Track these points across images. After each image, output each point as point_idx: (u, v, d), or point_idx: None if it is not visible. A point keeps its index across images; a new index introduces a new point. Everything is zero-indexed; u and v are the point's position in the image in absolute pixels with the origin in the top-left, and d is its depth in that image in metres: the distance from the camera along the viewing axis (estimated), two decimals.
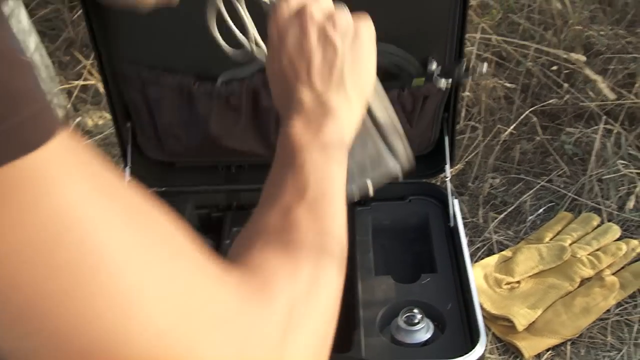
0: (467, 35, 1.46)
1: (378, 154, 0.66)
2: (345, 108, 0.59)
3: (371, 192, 0.67)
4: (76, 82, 1.55)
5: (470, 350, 0.89)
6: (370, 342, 0.91)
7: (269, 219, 0.52)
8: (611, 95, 1.32)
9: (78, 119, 1.50)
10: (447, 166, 1.14)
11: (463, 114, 1.43)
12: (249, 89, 1.02)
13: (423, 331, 0.91)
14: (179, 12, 0.87)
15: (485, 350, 0.97)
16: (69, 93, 1.56)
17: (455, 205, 1.11)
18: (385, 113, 0.67)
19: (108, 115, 1.42)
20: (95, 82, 1.53)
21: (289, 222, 0.51)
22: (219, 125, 1.05)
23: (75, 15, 1.71)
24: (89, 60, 1.55)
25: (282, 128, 0.58)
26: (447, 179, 1.14)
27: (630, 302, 1.10)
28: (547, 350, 1.04)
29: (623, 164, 1.28)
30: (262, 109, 1.04)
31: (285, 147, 0.56)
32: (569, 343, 1.05)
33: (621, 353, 1.03)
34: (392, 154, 0.66)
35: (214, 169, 1.14)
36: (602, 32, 1.48)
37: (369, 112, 0.65)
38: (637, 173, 1.27)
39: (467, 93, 1.45)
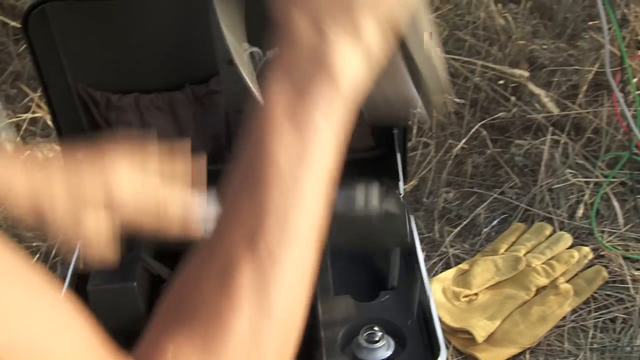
0: None
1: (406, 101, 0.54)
2: (352, 48, 0.44)
3: None
4: (24, 115, 1.53)
5: None
6: None
7: (202, 281, 0.40)
8: (554, 109, 1.35)
9: (28, 153, 1.48)
10: (401, 183, 1.16)
11: (415, 130, 1.45)
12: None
13: (384, 348, 0.91)
14: (119, 35, 0.87)
15: None
16: (18, 126, 1.54)
17: (410, 222, 1.13)
18: (423, 48, 0.50)
19: (58, 147, 1.41)
20: (43, 114, 1.51)
21: (225, 295, 0.39)
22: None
23: (21, 48, 1.69)
24: (37, 93, 1.53)
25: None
26: (401, 195, 1.15)
27: (584, 308, 1.12)
28: None
29: (571, 173, 1.31)
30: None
31: (250, 136, 0.43)
32: (527, 352, 1.07)
33: (578, 358, 1.05)
34: (425, 105, 0.54)
35: None
36: (544, 46, 1.52)
37: (402, 47, 0.49)
38: (585, 182, 1.30)
39: (418, 110, 1.47)
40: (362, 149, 1.17)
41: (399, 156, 1.15)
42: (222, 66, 0.98)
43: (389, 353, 0.93)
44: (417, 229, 1.21)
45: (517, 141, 1.42)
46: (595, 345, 1.08)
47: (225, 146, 1.11)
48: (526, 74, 1.39)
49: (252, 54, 1.02)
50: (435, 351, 0.92)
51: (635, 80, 1.32)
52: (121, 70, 1.03)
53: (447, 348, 1.06)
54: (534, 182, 1.34)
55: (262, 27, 1.04)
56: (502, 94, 1.48)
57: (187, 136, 1.09)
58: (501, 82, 1.47)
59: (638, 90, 1.31)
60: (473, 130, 1.41)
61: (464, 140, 1.39)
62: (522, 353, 1.07)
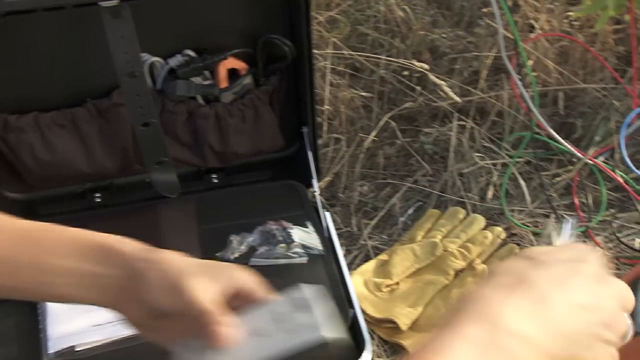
0: (320, 52, 1.50)
1: None
2: None
3: None
4: None
5: (358, 358, 0.91)
6: None
7: None
8: (456, 98, 1.39)
9: None
10: (314, 180, 1.17)
11: (325, 127, 1.46)
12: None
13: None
14: (9, 54, 0.84)
15: (372, 355, 0.99)
16: None
17: (327, 218, 1.14)
18: None
19: None
20: None
21: None
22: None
23: None
24: None
25: None
26: (316, 193, 1.16)
27: None
28: None
29: (479, 156, 1.35)
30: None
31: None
32: None
33: None
34: None
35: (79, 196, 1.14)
36: (444, 35, 1.56)
37: None
38: (492, 164, 1.34)
39: (326, 107, 1.48)
40: (273, 149, 1.17)
41: (310, 154, 1.16)
42: (123, 79, 0.97)
43: None
44: (335, 224, 1.22)
45: (426, 130, 1.45)
46: None
47: (135, 159, 1.09)
48: (426, 66, 1.42)
49: (152, 64, 1.01)
50: (361, 344, 0.94)
51: (530, 62, 1.37)
52: (16, 89, 1.00)
53: (373, 339, 1.07)
54: (445, 168, 1.37)
55: (160, 36, 1.03)
56: (408, 85, 1.50)
57: (93, 152, 1.07)
58: (406, 73, 1.50)
59: (534, 71, 1.36)
60: (382, 122, 1.43)
61: (374, 133, 1.41)
62: None
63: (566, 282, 0.50)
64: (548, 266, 0.50)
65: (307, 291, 0.62)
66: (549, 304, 0.48)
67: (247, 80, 1.09)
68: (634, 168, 1.27)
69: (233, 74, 1.08)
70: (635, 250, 1.21)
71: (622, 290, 0.52)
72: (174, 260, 0.61)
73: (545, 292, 0.48)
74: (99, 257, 0.62)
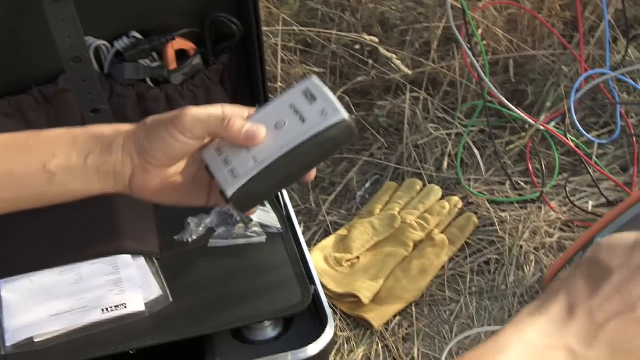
0: (270, 29, 1.49)
1: (242, 176, 0.68)
2: None
3: None
4: None
5: (321, 334, 0.91)
6: (223, 347, 0.91)
7: None
8: (407, 70, 1.39)
9: None
10: None
11: None
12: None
13: (272, 327, 0.92)
14: None
15: (335, 330, 0.99)
16: None
17: (284, 195, 1.13)
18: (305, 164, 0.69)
19: None
20: None
21: None
22: None
23: None
24: None
25: None
26: None
27: (460, 256, 1.17)
28: (395, 316, 1.09)
29: (433, 127, 1.36)
30: None
31: None
32: (413, 305, 1.10)
33: (459, 304, 1.10)
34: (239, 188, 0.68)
35: None
36: (393, 7, 1.55)
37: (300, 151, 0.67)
38: (447, 134, 1.34)
39: (279, 84, 1.47)
40: None
41: None
42: (68, 64, 0.95)
43: (277, 330, 0.93)
44: (293, 202, 1.22)
45: (380, 103, 1.45)
46: (473, 289, 1.13)
47: None
48: (376, 40, 1.42)
49: (98, 48, 0.99)
50: (323, 320, 0.93)
51: (479, 31, 1.38)
52: None
53: (335, 314, 1.08)
54: (400, 140, 1.37)
55: (105, 18, 1.01)
56: (360, 59, 1.50)
57: None
58: (357, 47, 1.49)
59: (483, 40, 1.37)
60: (336, 97, 1.42)
61: None
62: (408, 307, 1.10)
63: None
64: None
65: (312, 81, 0.69)
66: None
67: (197, 60, 1.07)
68: (584, 132, 1.29)
69: (182, 54, 1.06)
70: (589, 212, 1.23)
71: None
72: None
73: None
74: (98, 145, 0.68)
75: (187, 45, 1.06)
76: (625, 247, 0.52)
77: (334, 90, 1.46)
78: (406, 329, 1.08)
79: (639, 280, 0.50)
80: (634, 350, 0.49)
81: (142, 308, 0.91)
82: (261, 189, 0.69)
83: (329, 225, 1.23)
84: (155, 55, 1.06)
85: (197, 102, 1.09)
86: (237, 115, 0.69)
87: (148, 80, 1.06)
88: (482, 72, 1.28)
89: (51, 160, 0.68)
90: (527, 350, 0.48)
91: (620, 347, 0.49)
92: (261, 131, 0.68)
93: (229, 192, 0.68)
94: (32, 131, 0.70)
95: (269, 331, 0.92)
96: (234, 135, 0.67)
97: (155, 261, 1.00)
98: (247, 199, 0.69)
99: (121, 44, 1.02)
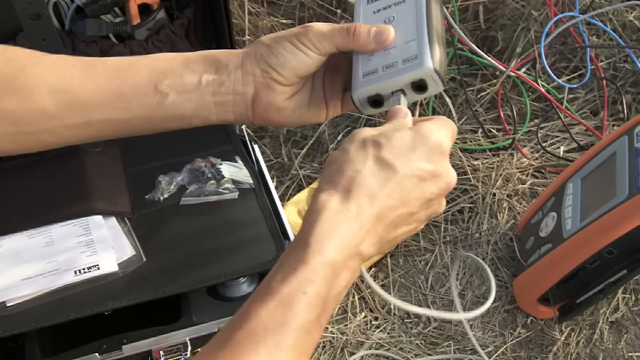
0: None
1: (418, 53, 0.64)
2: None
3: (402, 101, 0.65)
4: None
5: None
6: (199, 305, 0.91)
7: None
8: None
9: None
10: None
11: None
12: None
13: (247, 283, 0.92)
14: None
15: None
16: None
17: (256, 150, 1.12)
18: (439, 18, 0.68)
19: None
20: None
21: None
22: None
23: None
24: None
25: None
26: (243, 126, 1.14)
27: None
28: (370, 268, 1.09)
29: None
30: None
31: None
32: (388, 256, 1.11)
33: (434, 253, 1.10)
34: (432, 57, 0.64)
35: None
36: None
37: (428, 13, 0.66)
38: None
39: (247, 37, 1.45)
40: None
41: None
42: (26, 22, 0.91)
43: (254, 285, 0.93)
44: (265, 156, 1.21)
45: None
46: (448, 238, 1.13)
47: None
48: None
49: (57, 4, 0.96)
50: None
51: None
52: None
53: None
54: None
55: None
56: (328, 8, 1.48)
57: None
58: None
59: None
60: None
61: None
62: (383, 258, 1.11)
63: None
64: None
65: None
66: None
67: (161, 14, 1.04)
68: (554, 77, 1.29)
69: (145, 9, 1.03)
70: (560, 157, 1.24)
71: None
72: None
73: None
74: (212, 65, 0.66)
75: None
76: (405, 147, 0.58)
77: None
78: (382, 280, 1.08)
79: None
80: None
81: (115, 268, 0.90)
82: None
83: (302, 179, 1.22)
84: (117, 10, 1.03)
85: None
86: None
87: (111, 36, 1.03)
88: (451, 20, 1.27)
89: (162, 79, 0.66)
90: (331, 270, 0.54)
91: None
92: (389, 28, 0.66)
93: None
94: (137, 56, 0.68)
95: (245, 287, 0.92)
96: (364, 42, 0.65)
97: (127, 221, 0.99)
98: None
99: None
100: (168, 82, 0.66)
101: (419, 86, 0.64)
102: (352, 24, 0.66)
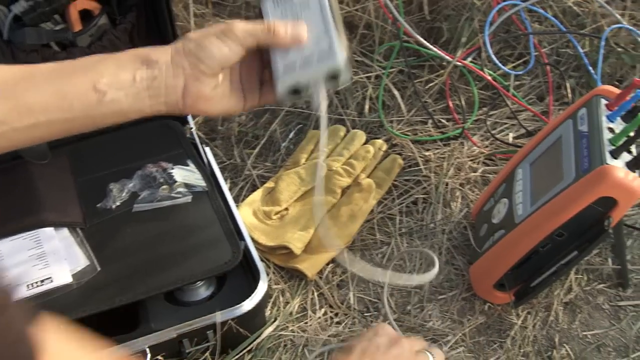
0: None
1: (329, 47, 0.74)
2: None
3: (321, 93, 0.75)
4: None
5: (254, 290, 0.91)
6: (157, 312, 0.91)
7: None
8: None
9: None
10: (189, 117, 1.14)
11: None
12: None
13: (205, 287, 0.91)
14: None
15: (269, 284, 0.99)
16: None
17: (207, 153, 1.12)
18: (336, 6, 0.77)
19: None
20: None
21: None
22: None
23: None
24: None
25: None
26: (192, 129, 1.14)
27: (388, 198, 1.18)
28: (328, 264, 1.09)
29: (353, 71, 1.35)
30: None
31: None
32: (345, 251, 1.11)
33: (391, 246, 1.11)
34: (342, 50, 0.74)
35: None
36: None
37: (330, 6, 0.76)
38: (366, 77, 1.34)
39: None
40: None
41: None
42: None
43: (211, 289, 0.93)
44: (217, 158, 1.21)
45: None
46: (403, 230, 1.14)
47: None
48: None
49: None
50: (256, 276, 0.93)
51: None
52: None
53: (269, 267, 1.08)
54: None
55: None
56: None
57: None
58: None
59: None
60: None
61: None
62: (341, 254, 1.11)
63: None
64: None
65: None
66: None
67: (103, 20, 1.03)
68: (500, 64, 1.30)
69: (86, 15, 1.02)
70: (510, 144, 1.25)
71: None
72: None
73: None
74: (143, 62, 0.73)
75: (91, 4, 1.01)
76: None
77: None
78: (340, 275, 1.09)
79: None
80: None
81: (69, 280, 0.89)
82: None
83: (256, 179, 1.22)
84: (57, 17, 1.01)
85: None
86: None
87: (53, 44, 1.02)
88: (396, 12, 1.28)
89: (100, 79, 0.71)
90: None
91: None
92: (303, 26, 0.75)
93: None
94: (72, 60, 0.74)
95: (202, 291, 0.91)
96: (282, 39, 0.74)
97: (79, 231, 0.97)
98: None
99: (19, 7, 0.97)
100: (105, 81, 0.71)
101: (333, 76, 0.74)
102: (271, 21, 0.75)
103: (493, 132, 1.28)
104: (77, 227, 0.97)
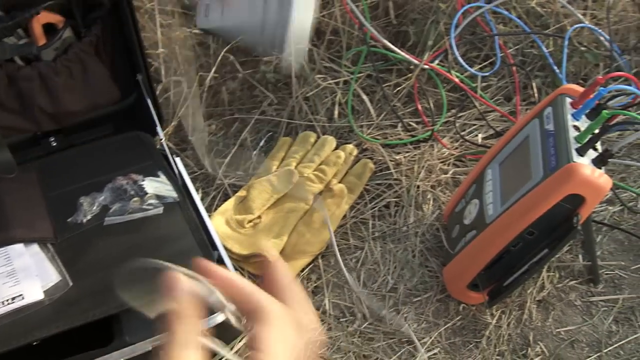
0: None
1: None
2: None
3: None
4: None
5: None
6: (132, 325, 0.90)
7: None
8: None
9: None
10: (159, 128, 1.13)
11: (163, 71, 1.41)
12: None
13: None
14: None
15: None
16: None
17: (178, 163, 1.11)
18: None
19: None
20: None
21: None
22: None
23: None
24: None
25: None
26: (162, 140, 1.13)
27: (360, 202, 1.19)
28: (302, 270, 1.09)
29: (321, 77, 1.35)
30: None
31: None
32: (319, 257, 1.11)
33: (364, 250, 1.12)
34: None
35: None
36: None
37: None
38: (335, 83, 1.34)
39: (161, 50, 1.43)
40: (110, 102, 1.12)
41: (149, 101, 1.12)
42: None
43: None
44: (188, 168, 1.20)
45: (265, 58, 1.43)
46: (376, 234, 1.14)
47: None
48: None
49: None
50: None
51: None
52: None
53: (243, 276, 1.07)
54: (289, 94, 1.36)
55: None
56: None
57: None
58: None
59: None
60: (220, 57, 1.39)
61: (213, 70, 1.38)
62: (315, 260, 1.11)
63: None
64: None
65: None
66: None
67: (67, 33, 1.02)
68: (467, 66, 1.32)
69: (50, 29, 1.01)
70: (479, 145, 1.27)
71: None
72: None
73: None
74: None
75: (55, 18, 1.01)
76: None
77: (217, 50, 1.43)
78: (315, 282, 1.09)
79: None
80: None
81: (41, 296, 0.88)
82: None
83: (227, 188, 1.22)
84: (21, 32, 1.00)
85: (73, 77, 1.05)
86: None
87: (17, 59, 1.01)
88: (362, 18, 1.29)
89: None
90: None
91: None
92: None
93: None
94: None
95: None
96: None
97: (50, 246, 0.96)
98: None
99: None
100: None
101: None
102: None
103: (462, 133, 1.29)
104: (47, 242, 0.96)
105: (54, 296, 0.89)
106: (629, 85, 1.16)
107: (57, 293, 0.90)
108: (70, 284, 0.91)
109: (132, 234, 0.98)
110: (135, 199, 1.03)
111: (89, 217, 1.01)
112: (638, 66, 1.35)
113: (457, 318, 1.04)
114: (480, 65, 1.39)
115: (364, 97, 1.32)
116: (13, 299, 0.87)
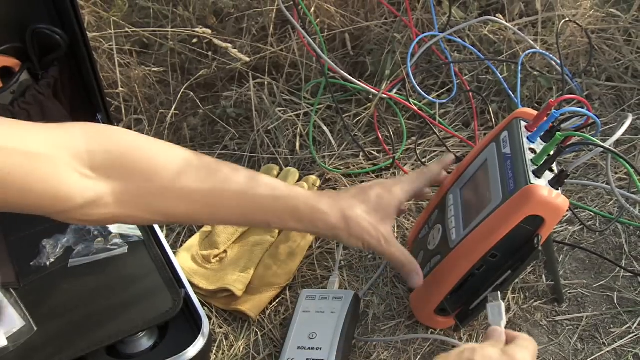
0: (101, 34, 1.44)
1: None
2: None
3: None
4: None
5: (198, 336, 0.91)
6: None
7: None
8: (245, 57, 1.39)
9: None
10: None
11: (124, 110, 1.42)
12: None
13: (147, 337, 0.90)
14: None
15: (212, 328, 0.99)
16: None
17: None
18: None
19: None
20: None
21: None
22: None
23: None
24: None
25: None
26: None
27: None
28: (270, 303, 1.09)
29: (281, 110, 1.37)
30: None
31: None
32: (287, 289, 1.11)
33: (329, 280, 1.12)
34: None
35: None
36: None
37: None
38: (296, 115, 1.36)
39: (120, 89, 1.43)
40: None
41: None
42: None
43: (153, 339, 0.92)
44: None
45: (225, 94, 1.44)
46: (343, 263, 1.15)
47: None
48: (209, 30, 1.41)
49: None
50: (198, 322, 0.93)
51: (311, 10, 1.40)
52: None
53: (212, 311, 1.07)
54: (251, 128, 1.37)
55: None
56: (200, 52, 1.49)
57: None
58: (195, 40, 1.48)
59: (317, 18, 1.39)
60: (180, 94, 1.40)
61: (174, 107, 1.39)
62: (282, 292, 1.11)
63: None
64: None
65: None
66: None
67: (24, 76, 1.02)
68: (424, 94, 1.34)
69: (6, 72, 1.01)
70: None
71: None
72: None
73: None
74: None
75: (10, 61, 1.01)
76: None
77: (177, 87, 1.44)
78: (283, 314, 1.09)
79: None
80: None
81: (4, 343, 0.87)
82: None
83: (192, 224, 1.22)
84: None
85: (31, 119, 1.04)
86: None
87: None
88: (319, 50, 1.30)
89: (274, 223, 0.92)
90: None
91: None
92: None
93: None
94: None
95: (145, 342, 0.90)
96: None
97: (12, 291, 0.95)
98: None
99: None
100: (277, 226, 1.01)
101: None
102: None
103: (423, 160, 1.31)
104: (10, 287, 0.95)
105: (18, 342, 0.88)
106: (581, 107, 1.19)
107: (22, 339, 0.88)
108: (35, 328, 0.90)
109: (98, 274, 0.98)
110: (99, 239, 1.03)
111: (52, 260, 1.01)
112: (589, 89, 1.38)
113: (426, 344, 1.05)
114: (437, 93, 1.42)
115: (325, 128, 1.34)
116: None
